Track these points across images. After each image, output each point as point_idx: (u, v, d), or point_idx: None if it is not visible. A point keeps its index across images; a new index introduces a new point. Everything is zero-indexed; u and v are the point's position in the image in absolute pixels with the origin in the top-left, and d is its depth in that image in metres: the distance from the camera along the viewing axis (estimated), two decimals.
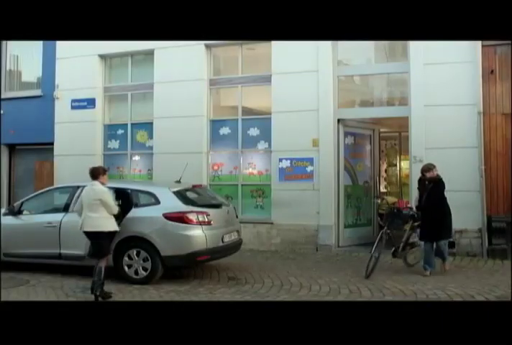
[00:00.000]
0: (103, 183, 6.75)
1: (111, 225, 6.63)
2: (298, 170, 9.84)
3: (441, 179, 7.42)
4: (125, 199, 7.51)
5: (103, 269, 6.48)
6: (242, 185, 10.46)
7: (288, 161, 9.93)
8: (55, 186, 9.21)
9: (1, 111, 12.12)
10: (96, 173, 6.75)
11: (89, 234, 6.63)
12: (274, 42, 9.84)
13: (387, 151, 14.53)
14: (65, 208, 7.77)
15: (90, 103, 11.53)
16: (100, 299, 6.35)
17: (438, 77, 8.95)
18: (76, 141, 11.46)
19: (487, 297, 6.13)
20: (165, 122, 10.77)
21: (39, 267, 7.84)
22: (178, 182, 7.96)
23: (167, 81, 10.78)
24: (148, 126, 11.13)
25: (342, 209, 9.99)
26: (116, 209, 6.68)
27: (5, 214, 8.01)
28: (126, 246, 7.19)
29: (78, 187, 7.88)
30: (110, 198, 6.66)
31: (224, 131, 10.65)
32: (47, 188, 8.69)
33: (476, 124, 8.74)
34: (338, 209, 9.86)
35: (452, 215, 8.86)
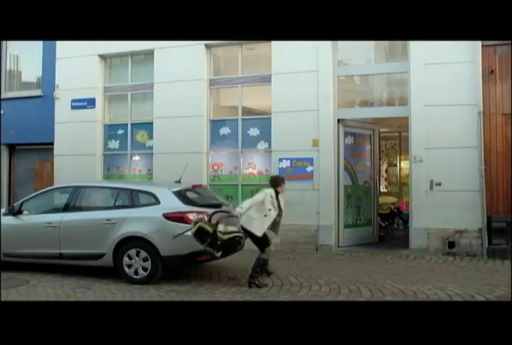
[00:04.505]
0: (277, 192, 7.20)
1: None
2: (298, 170, 9.84)
3: None
4: (125, 199, 7.54)
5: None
6: (242, 185, 10.47)
7: (288, 161, 9.93)
8: (55, 186, 9.21)
9: (1, 111, 12.13)
10: (279, 182, 7.29)
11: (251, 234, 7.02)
12: (274, 42, 9.84)
13: (387, 151, 14.55)
14: (65, 208, 7.78)
15: (90, 103, 11.54)
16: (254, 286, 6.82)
17: (438, 77, 8.95)
18: (76, 141, 11.47)
19: (487, 297, 6.12)
20: (165, 122, 10.77)
21: (39, 267, 7.85)
22: (178, 182, 7.96)
23: (167, 81, 10.79)
24: (148, 126, 11.14)
25: (342, 209, 9.99)
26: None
27: (5, 214, 8.01)
28: (126, 246, 7.20)
29: (78, 187, 7.92)
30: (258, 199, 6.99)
31: (224, 131, 10.65)
32: (47, 188, 8.69)
33: (476, 124, 8.75)
34: (338, 209, 9.86)
35: (452, 215, 8.91)
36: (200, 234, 6.63)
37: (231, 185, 10.57)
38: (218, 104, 11.14)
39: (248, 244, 9.52)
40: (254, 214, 6.95)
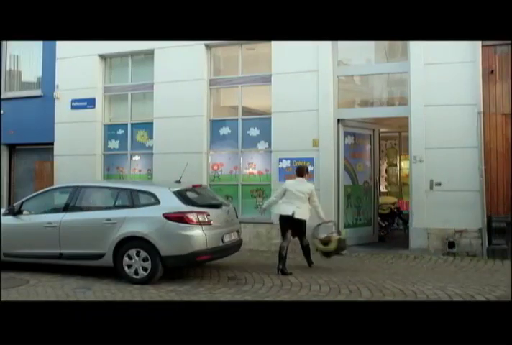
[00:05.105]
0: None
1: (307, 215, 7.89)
2: None
3: None
4: (125, 199, 7.55)
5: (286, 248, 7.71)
6: (242, 185, 10.46)
7: (288, 161, 9.93)
8: (55, 186, 9.20)
9: (1, 111, 12.13)
10: (303, 171, 8.00)
11: (302, 222, 7.84)
12: (274, 42, 9.84)
13: (387, 151, 14.55)
14: (65, 208, 7.77)
15: (90, 103, 11.53)
16: (280, 273, 7.53)
17: (438, 77, 8.95)
18: (76, 141, 11.46)
19: (487, 297, 6.12)
20: (165, 122, 10.77)
21: (39, 267, 7.84)
22: (178, 182, 7.96)
23: (167, 81, 10.78)
24: (148, 126, 11.13)
25: (342, 209, 9.99)
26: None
27: (5, 214, 8.00)
28: (126, 246, 7.20)
29: (78, 187, 7.92)
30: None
31: (224, 131, 10.65)
32: (47, 188, 8.68)
33: (476, 124, 8.75)
34: (338, 209, 9.86)
35: (452, 215, 8.90)
36: (341, 244, 8.15)
37: (231, 185, 10.56)
38: (218, 104, 11.13)
39: (247, 243, 9.55)
40: (307, 205, 7.84)
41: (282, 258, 7.66)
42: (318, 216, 7.98)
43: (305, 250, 8.10)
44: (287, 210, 7.75)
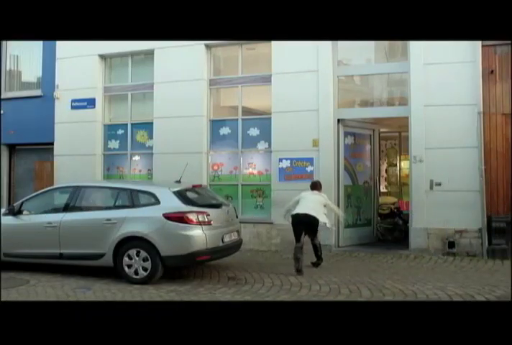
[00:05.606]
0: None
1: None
2: (298, 170, 9.84)
3: None
4: (125, 199, 7.54)
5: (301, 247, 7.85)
6: (242, 185, 10.46)
7: (288, 161, 9.93)
8: (55, 186, 9.21)
9: (1, 111, 12.14)
10: (318, 186, 8.29)
11: (316, 222, 8.00)
12: (274, 42, 9.84)
13: (387, 151, 14.54)
14: (65, 208, 7.77)
15: (90, 103, 11.54)
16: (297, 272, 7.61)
17: (438, 77, 8.95)
18: (76, 141, 11.47)
19: (487, 297, 6.13)
20: (165, 122, 10.77)
21: (39, 267, 7.85)
22: (178, 182, 7.96)
23: (167, 81, 10.79)
24: (148, 126, 11.14)
25: (342, 209, 9.98)
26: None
27: (5, 214, 8.01)
28: (126, 246, 7.20)
29: (78, 187, 7.92)
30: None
31: (224, 131, 10.65)
32: (47, 188, 8.68)
33: (476, 124, 8.75)
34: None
35: (452, 215, 8.91)
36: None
37: (231, 185, 10.56)
38: (218, 104, 11.13)
39: (247, 243, 9.56)
40: (323, 210, 8.14)
41: (297, 259, 7.69)
42: (336, 213, 8.71)
43: (316, 248, 8.18)
44: (303, 210, 7.87)
